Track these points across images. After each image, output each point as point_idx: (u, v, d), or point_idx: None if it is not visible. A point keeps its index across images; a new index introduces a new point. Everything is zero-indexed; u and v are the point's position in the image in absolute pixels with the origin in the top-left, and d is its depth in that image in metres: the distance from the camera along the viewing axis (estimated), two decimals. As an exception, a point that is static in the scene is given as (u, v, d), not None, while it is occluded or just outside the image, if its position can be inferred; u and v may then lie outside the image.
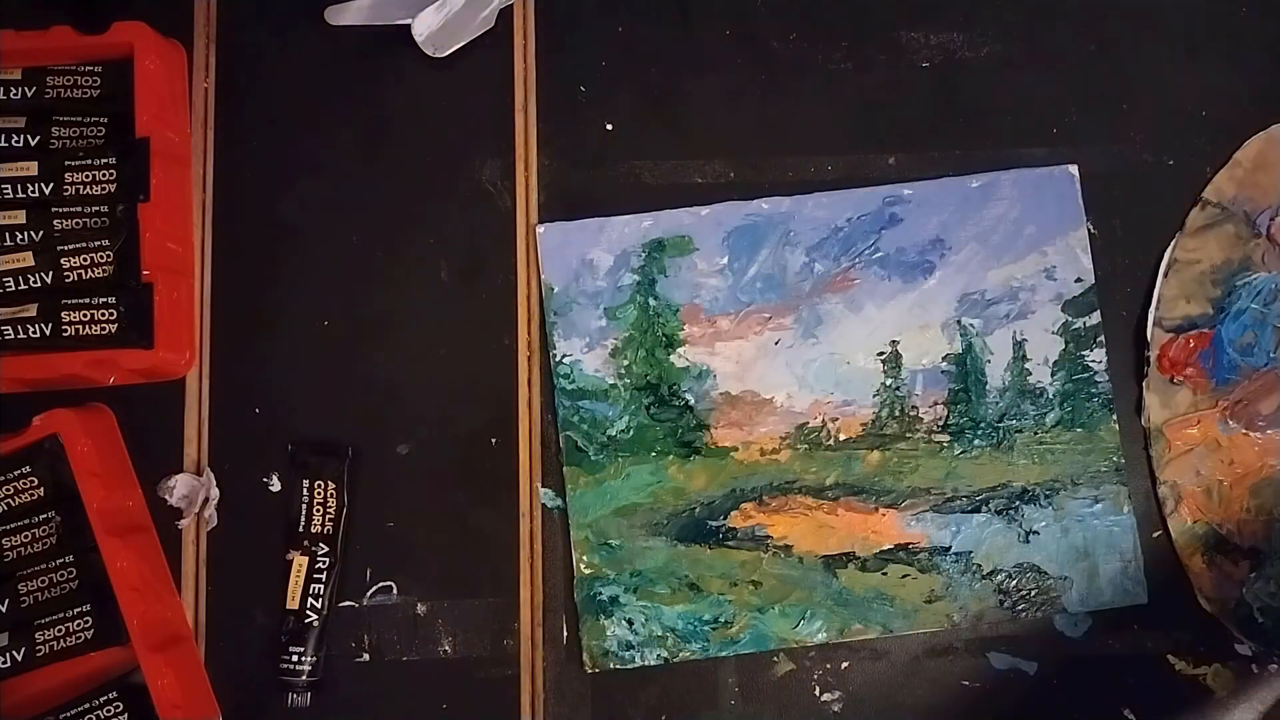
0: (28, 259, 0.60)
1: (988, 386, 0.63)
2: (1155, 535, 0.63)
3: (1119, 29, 0.66)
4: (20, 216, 0.60)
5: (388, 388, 0.64)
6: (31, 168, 0.60)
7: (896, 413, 0.63)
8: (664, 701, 0.62)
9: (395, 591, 0.63)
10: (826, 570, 0.62)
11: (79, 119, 0.62)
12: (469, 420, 0.64)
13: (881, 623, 0.62)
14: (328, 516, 0.62)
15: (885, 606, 0.62)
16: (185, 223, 0.64)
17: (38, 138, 0.62)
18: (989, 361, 0.63)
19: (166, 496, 0.62)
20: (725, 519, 0.63)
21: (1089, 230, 0.64)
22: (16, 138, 0.61)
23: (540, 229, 0.64)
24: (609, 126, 0.66)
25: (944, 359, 0.64)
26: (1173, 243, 0.64)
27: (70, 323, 0.60)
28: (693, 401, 0.63)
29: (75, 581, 0.59)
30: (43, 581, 0.59)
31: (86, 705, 0.59)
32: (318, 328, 0.64)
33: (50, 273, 0.60)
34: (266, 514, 0.63)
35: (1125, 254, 0.65)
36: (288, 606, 0.61)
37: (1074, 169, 0.65)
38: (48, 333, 0.59)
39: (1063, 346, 0.64)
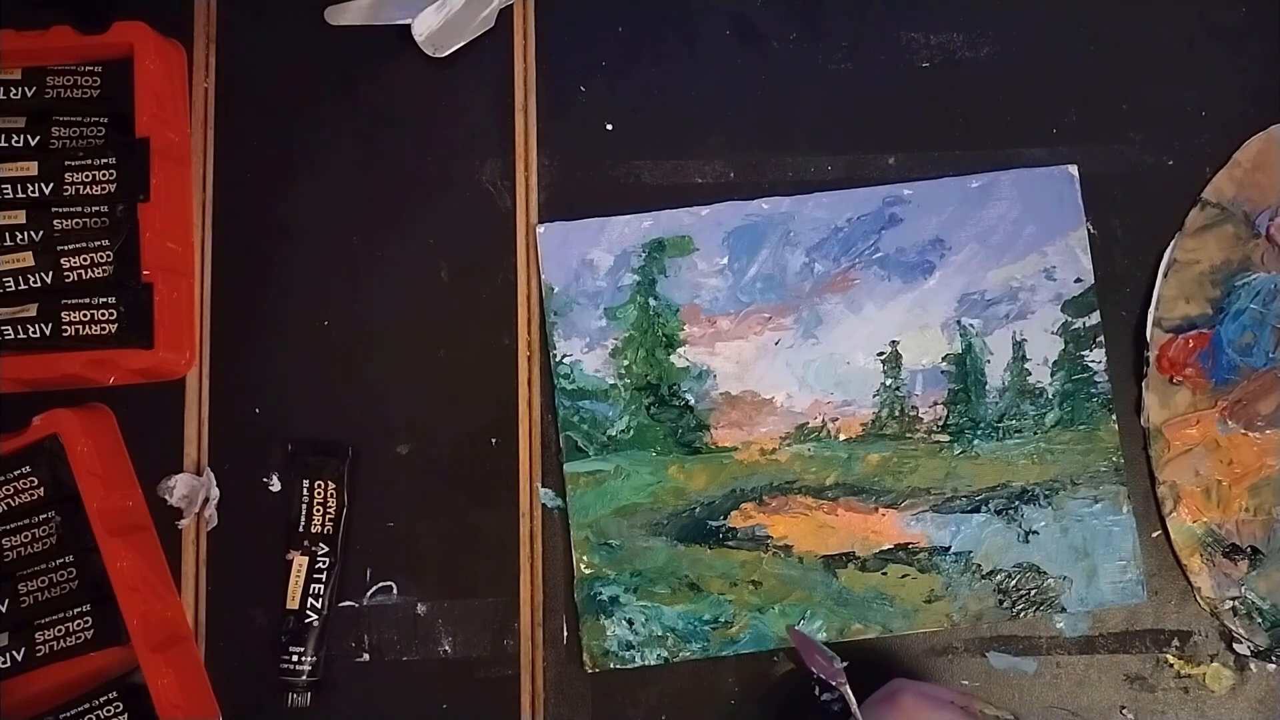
0: (28, 259, 0.60)
1: (987, 386, 0.63)
2: (1154, 535, 0.63)
3: (1119, 29, 0.66)
4: (20, 216, 0.60)
5: (388, 388, 0.64)
6: (31, 168, 0.60)
7: (896, 413, 0.63)
8: (664, 701, 0.62)
9: (395, 591, 0.63)
10: (826, 570, 0.62)
11: (79, 119, 0.62)
12: (469, 420, 0.64)
13: (881, 623, 0.62)
14: (328, 516, 0.62)
15: (885, 606, 0.62)
16: (185, 223, 0.64)
17: (38, 138, 0.62)
18: (989, 361, 0.63)
19: (166, 496, 0.62)
20: (725, 519, 0.63)
21: (1089, 230, 0.64)
22: (16, 138, 0.61)
23: (540, 229, 0.64)
24: (609, 126, 0.66)
25: (944, 359, 0.64)
26: (1172, 243, 0.64)
27: (70, 323, 0.60)
28: (693, 401, 0.63)
29: (75, 581, 0.59)
30: (43, 581, 0.59)
31: (86, 705, 0.59)
32: (317, 328, 0.64)
33: (50, 273, 0.60)
34: (266, 514, 0.63)
35: (1125, 254, 0.65)
36: (288, 606, 0.61)
37: (1074, 169, 0.65)
38: (48, 333, 0.59)
39: (1062, 346, 0.64)
